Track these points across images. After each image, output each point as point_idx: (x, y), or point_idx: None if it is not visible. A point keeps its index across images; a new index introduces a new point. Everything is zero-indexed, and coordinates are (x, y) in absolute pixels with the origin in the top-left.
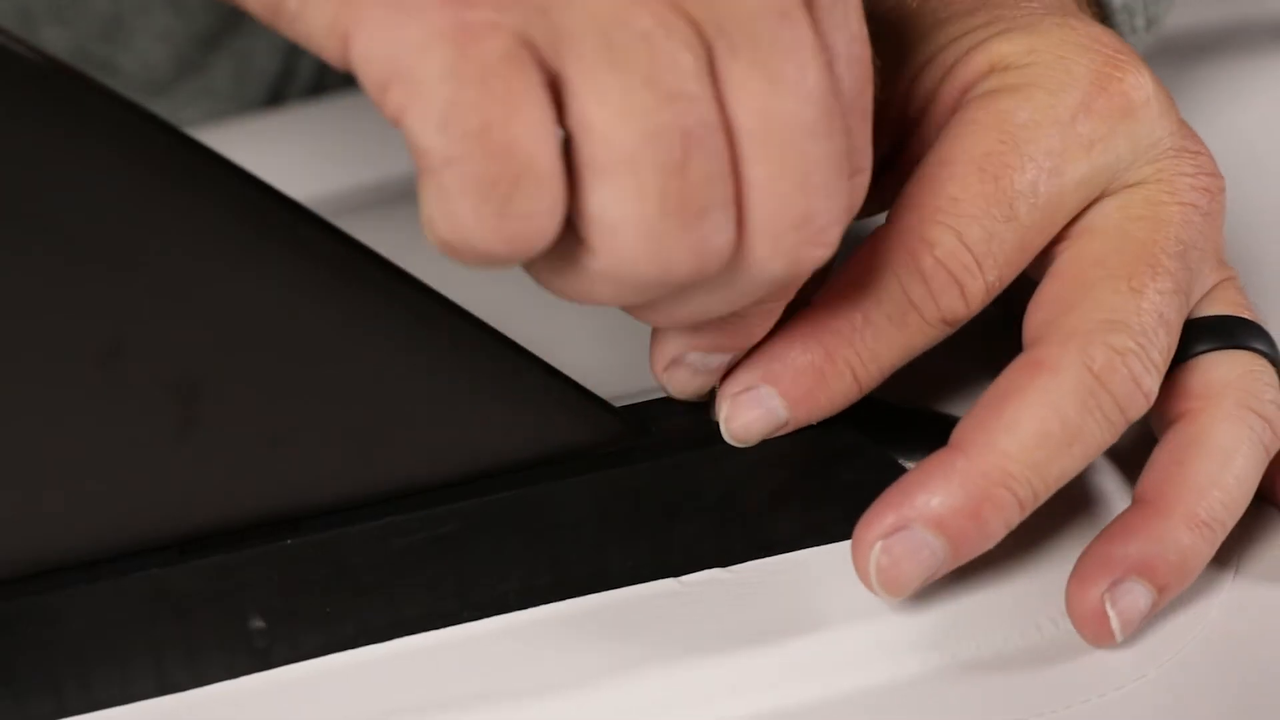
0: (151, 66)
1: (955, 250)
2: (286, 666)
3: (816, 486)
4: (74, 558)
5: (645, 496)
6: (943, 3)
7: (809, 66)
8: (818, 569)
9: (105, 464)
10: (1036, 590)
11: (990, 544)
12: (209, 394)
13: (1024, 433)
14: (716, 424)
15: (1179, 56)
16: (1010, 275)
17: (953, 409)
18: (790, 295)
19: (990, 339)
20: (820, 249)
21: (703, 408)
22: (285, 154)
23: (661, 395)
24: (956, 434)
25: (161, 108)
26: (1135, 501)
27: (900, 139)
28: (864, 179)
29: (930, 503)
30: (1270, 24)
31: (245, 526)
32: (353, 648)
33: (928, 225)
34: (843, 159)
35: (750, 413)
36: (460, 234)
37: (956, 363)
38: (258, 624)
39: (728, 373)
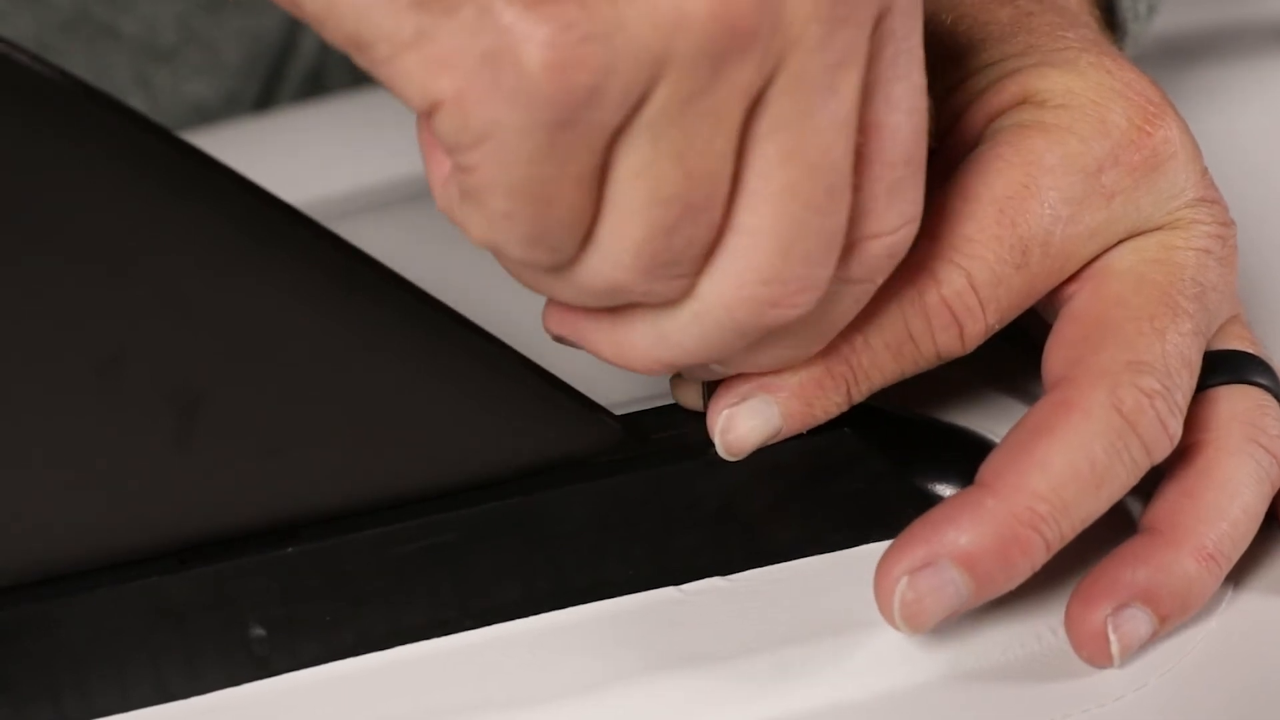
0: (154, 31)
1: (962, 291)
2: (286, 675)
3: (816, 495)
4: (74, 566)
5: (645, 505)
6: (977, 23)
7: (833, 147)
8: (817, 578)
9: (104, 472)
10: (1036, 600)
11: (1014, 585)
12: (208, 402)
13: (1054, 474)
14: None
15: (1178, 58)
16: (1010, 317)
17: (951, 416)
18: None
19: (994, 350)
20: (783, 310)
21: (703, 416)
22: (283, 157)
23: (661, 404)
24: (985, 471)
25: (164, 77)
26: (1143, 530)
27: (949, 125)
28: (912, 229)
29: (959, 540)
30: (1270, 26)
31: (245, 535)
32: (352, 656)
33: (939, 262)
34: (836, 235)
35: (747, 423)
36: (492, 248)
37: (957, 371)
38: (257, 632)
39: (721, 384)
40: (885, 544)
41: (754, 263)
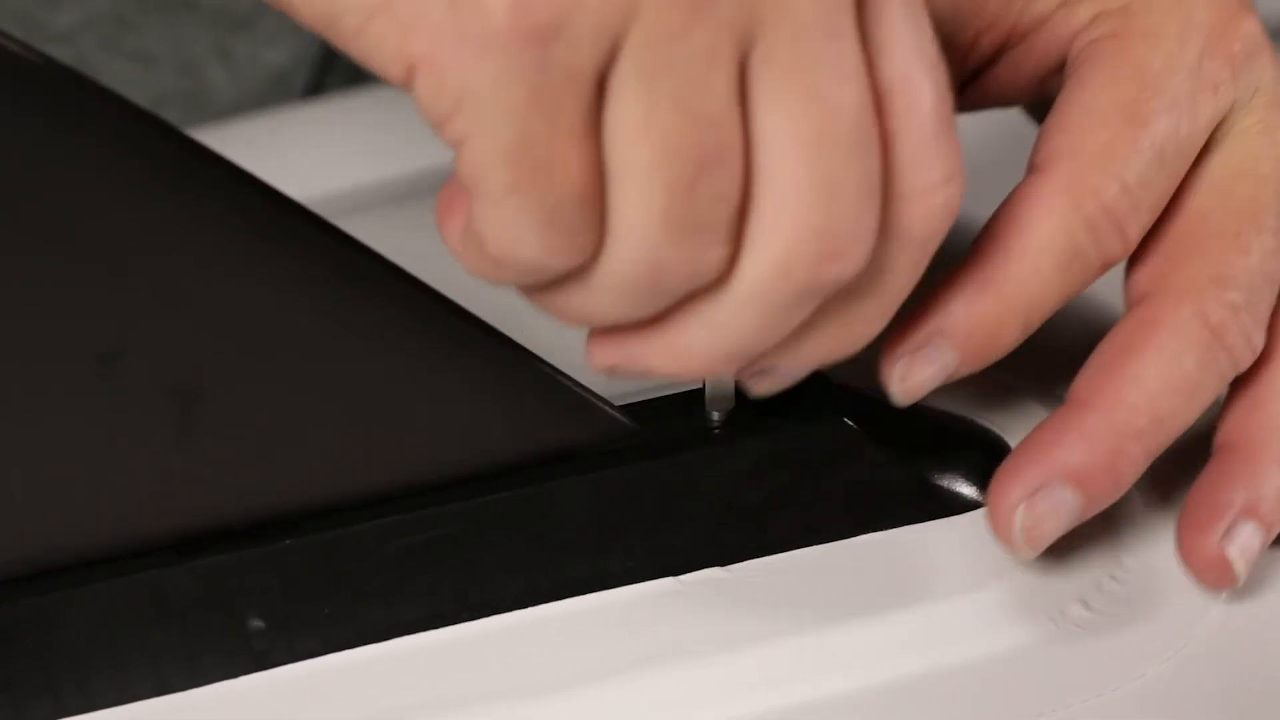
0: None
1: (1119, 197)
2: (285, 667)
3: (816, 485)
4: (72, 560)
5: (645, 496)
6: None
7: (847, 90)
8: (817, 568)
9: (104, 466)
10: (1034, 589)
11: (1118, 496)
12: (207, 395)
13: (1149, 387)
14: (715, 424)
15: None
16: (1157, 215)
17: (950, 407)
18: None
19: None
20: (840, 264)
21: (703, 406)
22: (286, 155)
23: (661, 394)
24: (1078, 389)
25: (243, 46)
26: (1221, 448)
27: (999, 51)
28: (958, 186)
29: (1069, 460)
30: (1270, 26)
31: (244, 528)
32: (352, 648)
33: (1089, 173)
34: (872, 180)
35: (926, 370)
36: (512, 253)
37: None
38: (256, 625)
39: (894, 330)
40: (884, 534)
41: (798, 216)
